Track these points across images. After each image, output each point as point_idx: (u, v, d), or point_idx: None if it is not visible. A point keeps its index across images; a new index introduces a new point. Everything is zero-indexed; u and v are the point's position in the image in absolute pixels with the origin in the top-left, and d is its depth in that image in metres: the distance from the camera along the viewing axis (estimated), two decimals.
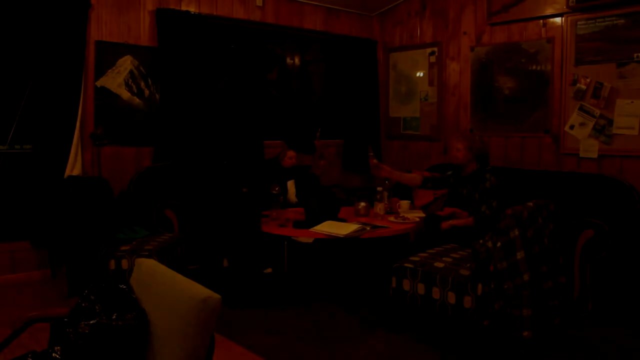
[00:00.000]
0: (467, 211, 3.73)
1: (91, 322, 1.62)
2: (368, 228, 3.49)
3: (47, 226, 3.98)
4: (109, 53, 4.33)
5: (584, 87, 4.28)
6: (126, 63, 4.43)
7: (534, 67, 4.63)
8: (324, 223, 3.52)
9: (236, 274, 3.68)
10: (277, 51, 3.76)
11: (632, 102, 4.03)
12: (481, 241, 2.95)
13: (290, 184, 4.81)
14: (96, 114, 4.31)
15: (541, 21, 4.55)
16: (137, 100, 4.51)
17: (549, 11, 4.46)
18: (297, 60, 5.98)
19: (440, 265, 3.01)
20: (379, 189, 4.02)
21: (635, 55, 3.99)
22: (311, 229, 3.46)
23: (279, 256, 4.32)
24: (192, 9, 4.69)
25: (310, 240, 4.43)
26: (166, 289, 1.68)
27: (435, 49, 5.46)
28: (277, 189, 4.04)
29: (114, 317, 1.63)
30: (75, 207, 3.65)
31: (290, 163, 4.59)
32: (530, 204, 2.81)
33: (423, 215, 3.99)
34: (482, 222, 3.44)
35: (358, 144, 5.95)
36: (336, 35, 5.80)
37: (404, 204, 4.14)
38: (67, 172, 4.10)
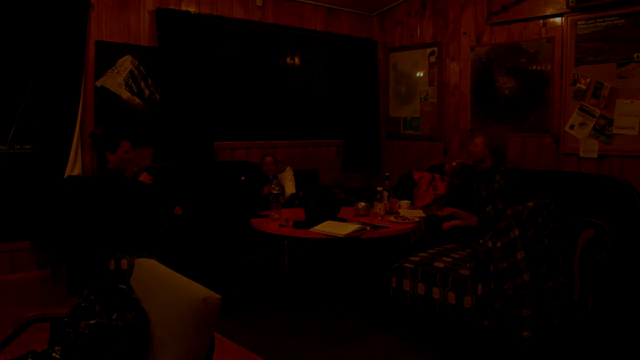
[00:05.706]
0: (474, 208, 3.72)
1: (91, 322, 1.62)
2: (368, 228, 3.48)
3: (47, 226, 3.98)
4: (109, 53, 4.33)
5: (584, 87, 4.28)
6: (126, 63, 4.43)
7: (534, 67, 4.63)
8: (324, 223, 3.51)
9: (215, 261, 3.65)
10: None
11: (632, 102, 4.03)
12: (481, 241, 2.95)
13: (290, 186, 4.80)
14: (96, 114, 4.31)
15: (541, 21, 4.55)
16: (137, 100, 4.51)
17: (549, 11, 4.47)
18: (297, 60, 5.98)
19: (440, 265, 3.01)
20: (379, 189, 4.01)
21: (635, 55, 3.99)
22: (311, 229, 3.46)
23: (279, 256, 4.31)
24: (192, 9, 4.69)
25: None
26: (166, 289, 1.68)
27: (435, 49, 5.46)
28: (277, 189, 4.03)
29: (114, 317, 1.63)
30: (75, 207, 3.65)
31: (267, 169, 4.53)
32: (531, 204, 2.81)
33: (423, 215, 3.98)
34: (486, 222, 3.44)
35: (358, 144, 5.95)
36: (336, 35, 5.81)
37: (404, 204, 4.13)
38: (67, 172, 4.10)
